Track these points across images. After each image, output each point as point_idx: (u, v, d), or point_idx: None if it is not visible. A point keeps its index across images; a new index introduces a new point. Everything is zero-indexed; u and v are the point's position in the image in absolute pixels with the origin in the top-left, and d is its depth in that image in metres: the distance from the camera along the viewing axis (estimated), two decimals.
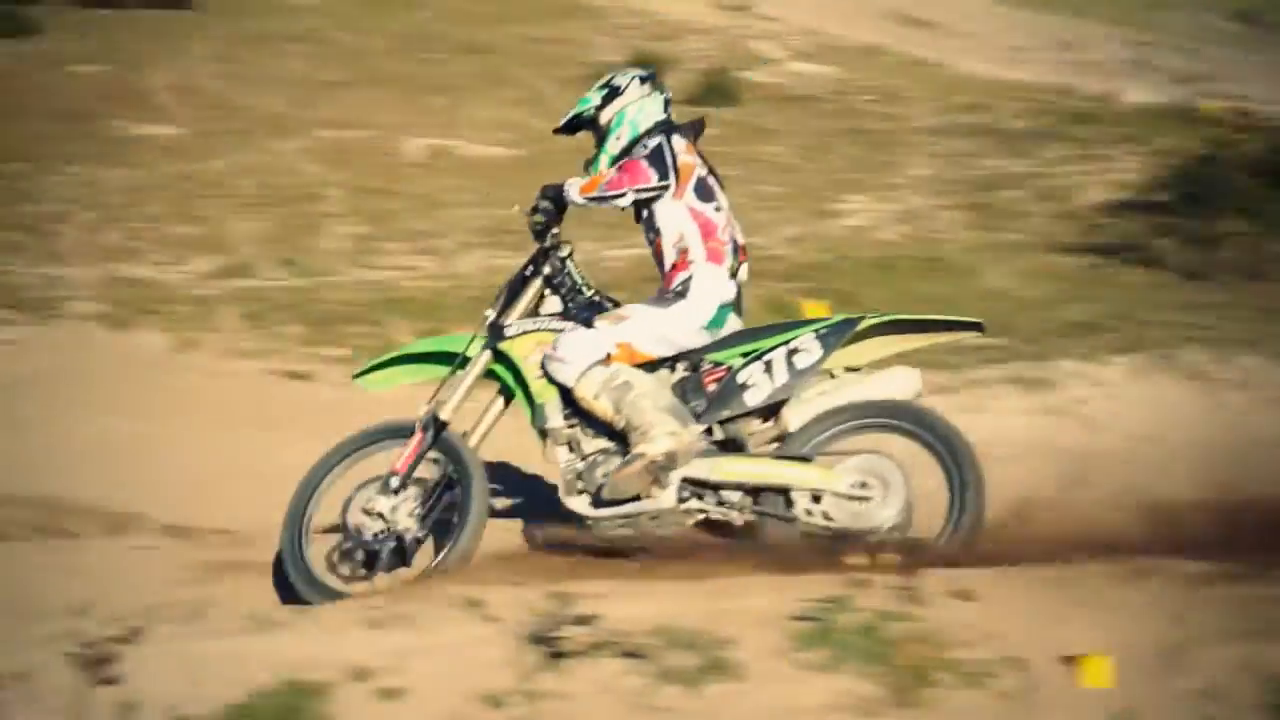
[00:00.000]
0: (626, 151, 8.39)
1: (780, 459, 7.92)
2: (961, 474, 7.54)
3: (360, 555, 7.90)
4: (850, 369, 8.06)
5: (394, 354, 8.73)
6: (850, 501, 7.63)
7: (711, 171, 8.49)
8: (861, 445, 7.73)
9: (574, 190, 8.33)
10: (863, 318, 8.02)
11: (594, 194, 8.34)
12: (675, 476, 7.94)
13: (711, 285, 8.27)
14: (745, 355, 8.02)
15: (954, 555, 7.29)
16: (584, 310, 8.33)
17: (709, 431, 8.07)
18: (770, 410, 8.02)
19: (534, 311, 8.53)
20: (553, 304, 8.49)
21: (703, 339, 8.21)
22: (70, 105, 26.70)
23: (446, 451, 8.08)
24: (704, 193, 8.43)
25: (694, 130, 8.65)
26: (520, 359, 8.31)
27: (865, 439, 7.78)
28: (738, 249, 8.40)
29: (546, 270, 8.50)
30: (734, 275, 8.33)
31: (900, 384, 7.98)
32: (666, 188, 8.24)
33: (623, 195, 8.29)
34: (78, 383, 14.52)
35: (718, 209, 8.40)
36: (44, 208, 21.40)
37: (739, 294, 8.39)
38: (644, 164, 8.28)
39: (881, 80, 30.50)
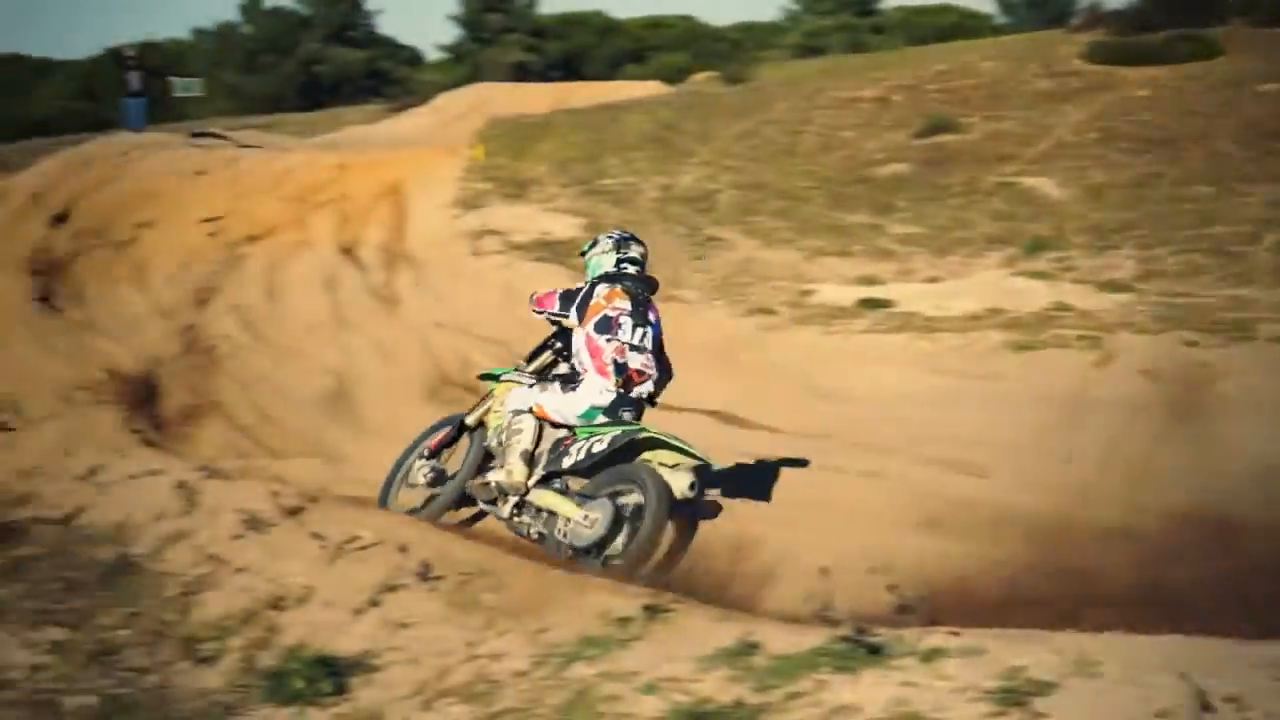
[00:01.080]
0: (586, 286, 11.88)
1: (560, 495, 11.33)
2: (648, 517, 10.69)
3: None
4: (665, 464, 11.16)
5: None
6: (579, 527, 10.96)
7: (636, 312, 11.73)
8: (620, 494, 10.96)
9: (532, 300, 12.25)
10: (643, 429, 11.26)
11: (533, 307, 12.21)
12: (511, 499, 11.67)
13: (589, 392, 11.56)
14: (584, 436, 11.41)
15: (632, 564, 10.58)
16: (562, 378, 11.96)
17: (550, 476, 11.51)
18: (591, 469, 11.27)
19: (547, 368, 12.30)
20: (563, 367, 12.20)
21: (579, 421, 11.51)
22: (1255, 125, 26.50)
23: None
24: (604, 327, 11.57)
25: (643, 285, 12.00)
26: (499, 394, 12.26)
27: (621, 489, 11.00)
28: (625, 370, 11.57)
29: (557, 345, 12.31)
30: (621, 388, 11.54)
31: (677, 479, 10.96)
32: (565, 317, 11.78)
33: (540, 313, 12.05)
34: (1265, 406, 15.38)
35: (610, 340, 11.55)
36: (1231, 229, 21.95)
37: (617, 399, 11.51)
38: (558, 298, 11.90)
39: None
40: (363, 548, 11.08)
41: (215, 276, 24.44)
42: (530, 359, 12.47)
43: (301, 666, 9.16)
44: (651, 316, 11.98)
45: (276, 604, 10.68)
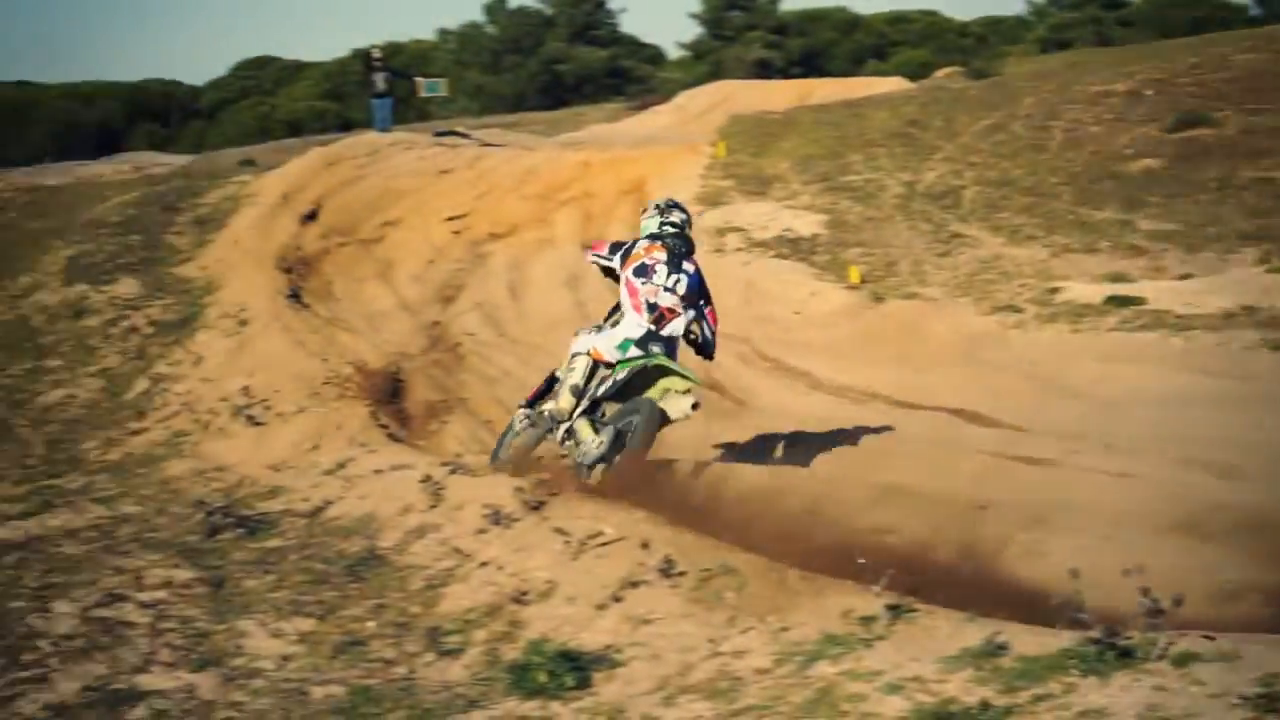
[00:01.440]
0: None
1: (588, 423, 13.56)
2: (636, 434, 12.98)
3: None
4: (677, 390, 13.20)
5: None
6: (589, 447, 13.23)
7: (671, 262, 13.67)
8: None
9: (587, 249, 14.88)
10: (654, 358, 13.25)
11: (588, 253, 14.71)
12: (561, 427, 13.82)
13: (624, 326, 13.57)
14: (616, 369, 13.52)
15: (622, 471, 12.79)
16: (610, 321, 14.10)
17: (594, 407, 13.74)
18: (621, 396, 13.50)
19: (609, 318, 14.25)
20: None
21: (617, 352, 13.45)
22: None
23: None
24: (641, 272, 13.62)
25: (681, 242, 13.90)
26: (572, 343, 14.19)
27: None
28: (657, 309, 13.47)
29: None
30: (653, 324, 13.43)
31: (681, 401, 13.16)
32: (611, 261, 13.99)
33: (594, 259, 14.36)
34: None
35: (645, 283, 13.55)
36: None
37: (647, 334, 13.38)
38: (608, 245, 14.26)
39: None
40: (605, 544, 11.15)
41: (460, 274, 24.75)
42: (607, 317, 14.31)
43: (545, 660, 9.26)
44: (688, 267, 13.82)
45: (520, 598, 10.81)
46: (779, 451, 15.71)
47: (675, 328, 13.59)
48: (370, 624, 11.24)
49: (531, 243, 26.48)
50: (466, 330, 21.99)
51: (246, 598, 11.94)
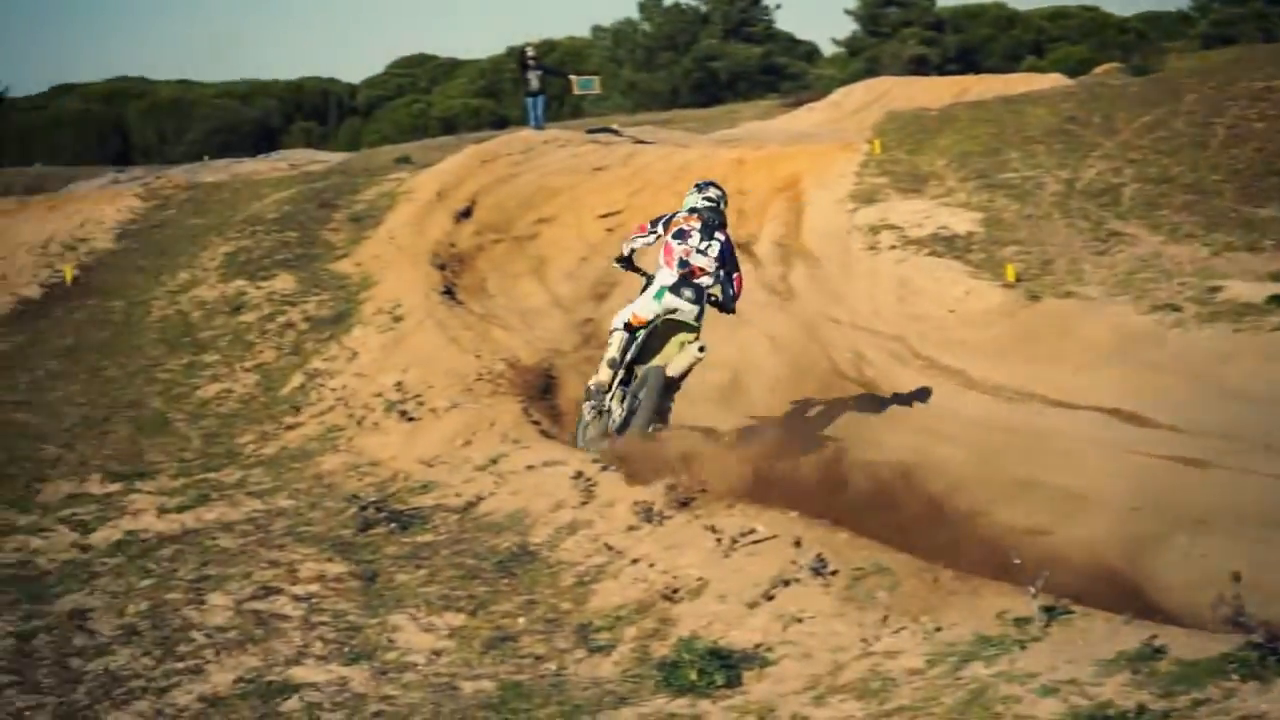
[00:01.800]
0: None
1: (619, 395, 15.40)
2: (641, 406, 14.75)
3: None
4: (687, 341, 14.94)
5: None
6: (615, 415, 15.25)
7: (705, 230, 15.29)
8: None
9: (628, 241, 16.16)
10: (671, 312, 14.95)
11: (630, 236, 16.20)
12: (603, 399, 15.46)
13: (659, 278, 15.28)
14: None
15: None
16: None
17: (629, 372, 15.40)
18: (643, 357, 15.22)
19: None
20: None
21: (654, 303, 15.11)
22: None
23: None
24: (679, 235, 15.35)
25: (715, 215, 15.49)
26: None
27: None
28: (688, 265, 15.13)
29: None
30: (682, 278, 15.01)
31: (681, 357, 14.90)
32: (651, 233, 15.73)
33: (634, 240, 15.97)
34: None
35: (680, 244, 15.27)
36: None
37: (679, 280, 15.00)
38: (650, 222, 15.99)
39: None
40: (757, 541, 11.10)
41: (613, 271, 24.73)
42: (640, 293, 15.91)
43: (695, 658, 9.25)
44: (720, 237, 15.44)
45: (670, 595, 10.80)
46: (932, 451, 15.37)
47: (704, 281, 15.24)
48: (521, 620, 11.27)
49: None
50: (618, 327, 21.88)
51: (398, 592, 12.02)
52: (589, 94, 61.05)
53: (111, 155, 79.84)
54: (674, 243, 15.26)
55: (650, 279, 15.59)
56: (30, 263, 26.82)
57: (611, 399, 15.44)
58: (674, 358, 14.93)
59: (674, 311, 14.95)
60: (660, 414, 15.00)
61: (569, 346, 20.93)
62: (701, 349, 14.81)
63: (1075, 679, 7.75)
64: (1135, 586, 10.35)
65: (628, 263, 16.03)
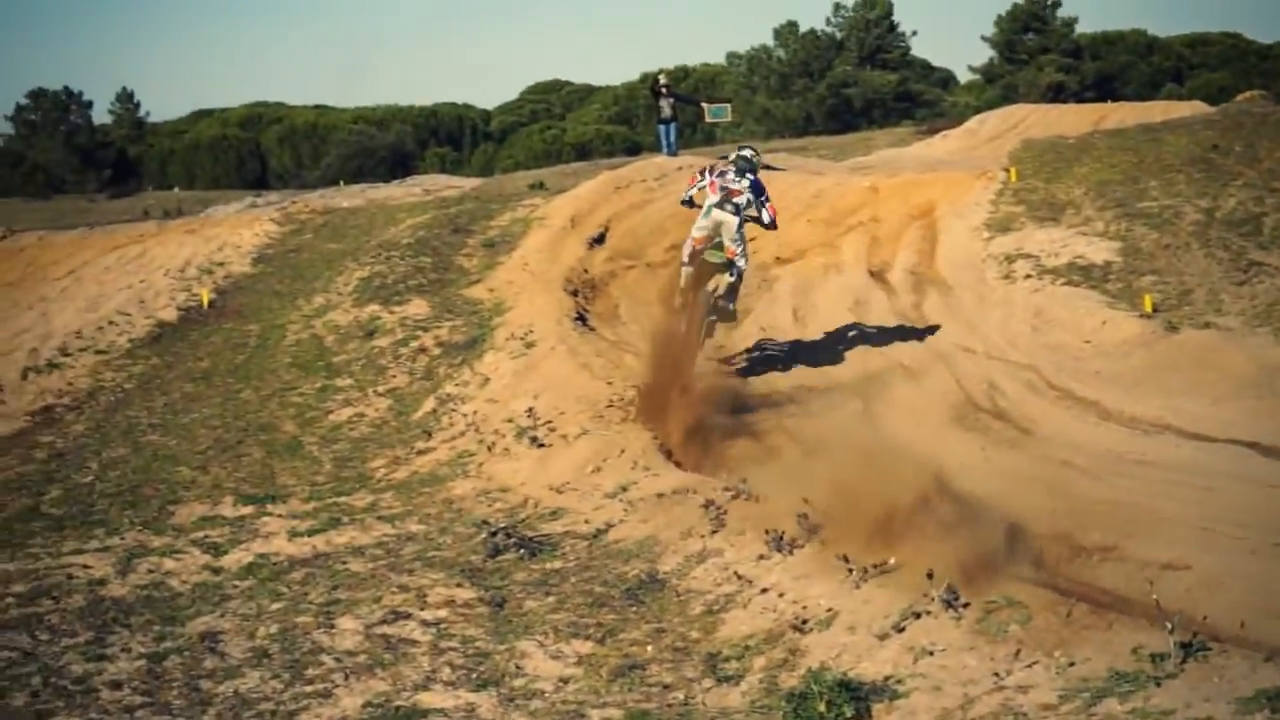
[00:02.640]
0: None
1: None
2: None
3: None
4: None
5: None
6: None
7: (738, 170, 19.80)
8: None
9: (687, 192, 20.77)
10: (718, 241, 19.46)
11: (687, 188, 21.07)
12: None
13: (708, 202, 19.62)
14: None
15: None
16: None
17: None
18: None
19: None
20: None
21: (705, 220, 19.56)
22: None
23: None
24: (720, 175, 19.88)
25: (746, 163, 20.05)
26: None
27: None
28: (727, 190, 19.55)
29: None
30: (723, 198, 19.46)
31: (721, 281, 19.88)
32: (702, 180, 20.09)
33: (691, 189, 20.56)
34: None
35: (721, 180, 19.74)
36: None
37: (721, 198, 19.46)
38: (699, 172, 20.95)
39: None
40: (887, 572, 11.01)
41: (745, 298, 24.66)
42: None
43: (824, 690, 9.17)
44: (750, 177, 19.99)
45: (800, 626, 10.74)
46: (1069, 482, 15.15)
47: (740, 201, 19.66)
48: (649, 648, 11.23)
49: (818, 267, 26.28)
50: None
51: (527, 619, 12.03)
52: (721, 121, 61.23)
53: (249, 179, 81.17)
54: (716, 179, 19.95)
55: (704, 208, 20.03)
56: (167, 286, 27.11)
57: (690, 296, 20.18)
58: (720, 281, 19.98)
59: (720, 223, 19.55)
60: (718, 313, 20.30)
61: (699, 374, 20.72)
62: (734, 274, 19.97)
63: (1212, 717, 7.62)
64: (1274, 623, 10.12)
65: (689, 203, 20.48)
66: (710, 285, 19.97)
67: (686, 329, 19.72)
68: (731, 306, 20.31)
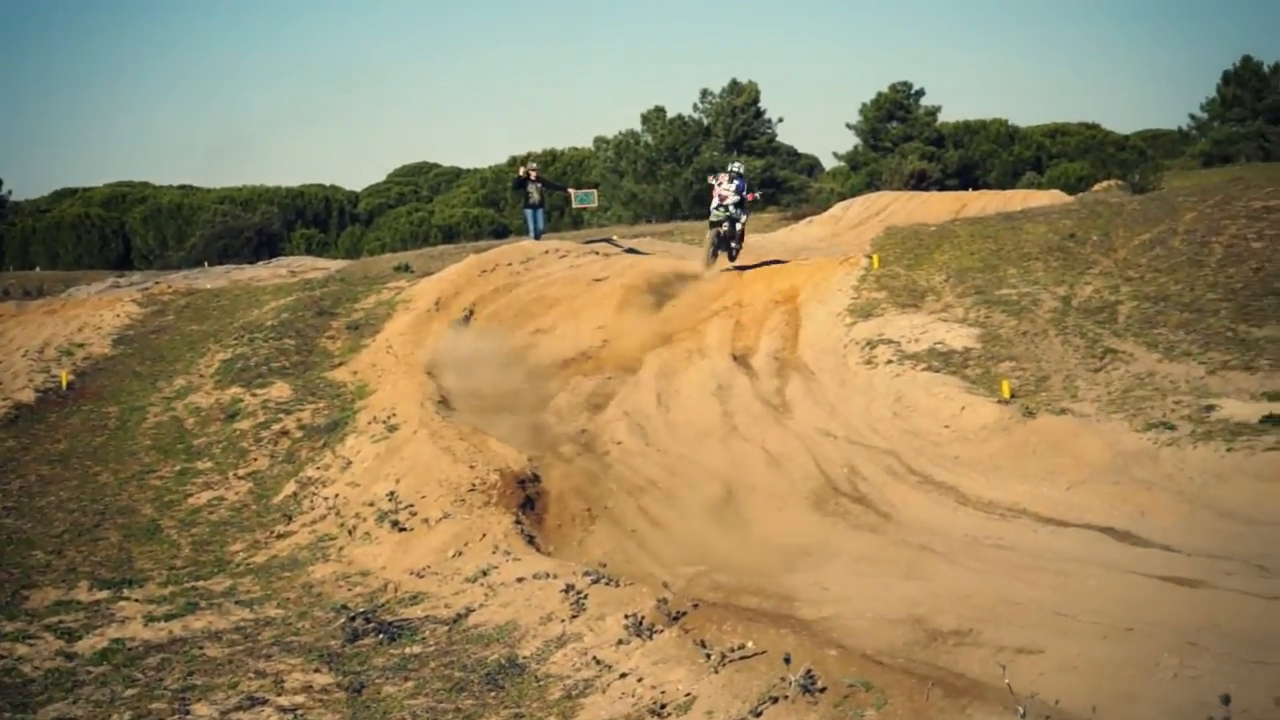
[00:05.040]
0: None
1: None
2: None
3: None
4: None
5: None
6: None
7: (730, 182, 33.12)
8: None
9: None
10: (724, 211, 33.11)
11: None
12: (711, 252, 33.82)
13: (715, 202, 33.38)
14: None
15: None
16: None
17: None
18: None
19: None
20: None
21: (718, 213, 33.21)
22: None
23: None
24: (721, 184, 33.32)
25: (739, 177, 33.35)
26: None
27: None
28: (725, 196, 32.96)
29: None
30: (720, 201, 33.15)
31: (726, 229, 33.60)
32: (715, 191, 33.75)
33: (712, 189, 34.33)
34: None
35: (721, 188, 33.19)
36: None
37: (719, 204, 33.12)
38: (716, 188, 33.96)
39: None
40: (745, 657, 11.05)
41: (609, 382, 24.76)
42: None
43: None
44: (737, 184, 32.79)
45: (658, 711, 10.73)
46: (924, 569, 15.30)
47: (729, 203, 32.75)
48: None
49: (682, 352, 26.41)
50: (615, 438, 21.90)
51: (385, 704, 11.93)
52: (587, 207, 61.79)
53: (112, 260, 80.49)
54: (718, 189, 33.11)
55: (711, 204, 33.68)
56: (25, 367, 26.79)
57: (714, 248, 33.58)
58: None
59: (725, 210, 32.77)
60: (736, 240, 33.51)
61: (563, 459, 20.76)
62: (737, 222, 33.05)
63: None
64: (1125, 707, 10.26)
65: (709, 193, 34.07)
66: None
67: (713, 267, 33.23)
68: (737, 244, 33.57)
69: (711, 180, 33.91)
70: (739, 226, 32.96)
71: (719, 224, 32.90)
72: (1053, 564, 15.03)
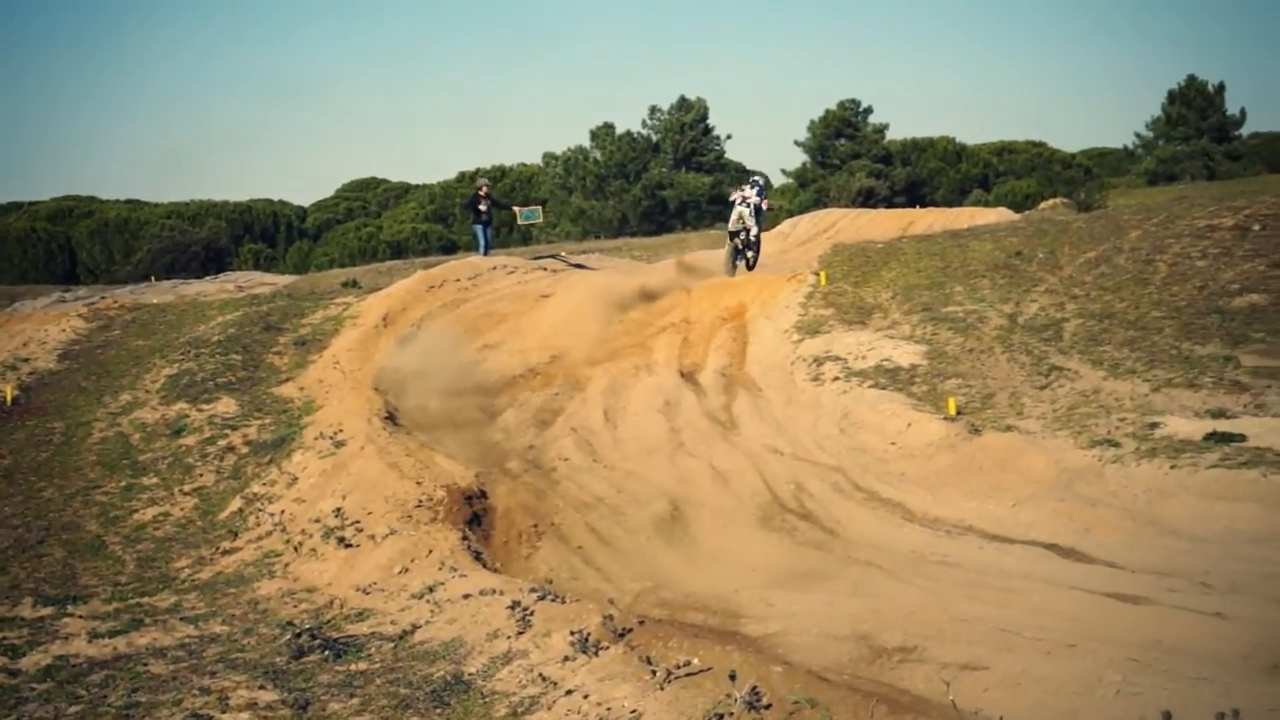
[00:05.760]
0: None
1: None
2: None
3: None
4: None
5: None
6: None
7: (752, 188, 35.83)
8: None
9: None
10: (741, 217, 35.31)
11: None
12: (732, 259, 35.92)
13: (735, 210, 35.72)
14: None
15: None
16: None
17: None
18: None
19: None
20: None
21: (735, 223, 35.64)
22: None
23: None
24: (744, 192, 35.99)
25: (759, 187, 36.07)
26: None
27: None
28: (748, 201, 35.15)
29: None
30: (742, 201, 35.50)
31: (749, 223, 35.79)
32: (738, 195, 36.25)
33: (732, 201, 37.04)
34: None
35: (743, 194, 35.70)
36: None
37: (742, 201, 35.49)
38: (737, 195, 36.34)
39: None
40: (691, 674, 11.05)
41: (557, 398, 24.75)
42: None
43: None
44: (755, 196, 35.14)
45: None
46: (870, 586, 15.34)
47: (747, 212, 34.72)
48: None
49: (629, 369, 26.41)
50: (562, 455, 21.88)
51: None
52: (534, 223, 61.98)
53: (59, 274, 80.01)
54: (739, 197, 35.32)
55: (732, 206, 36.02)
56: None
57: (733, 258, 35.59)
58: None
59: (743, 216, 34.66)
60: (752, 248, 35.24)
61: (510, 475, 20.73)
62: (754, 236, 35.03)
63: None
64: None
65: (729, 205, 35.90)
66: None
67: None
68: (754, 254, 35.31)
69: (734, 194, 36.15)
70: (754, 235, 35.01)
71: (736, 234, 35.22)
72: (998, 580, 15.08)
